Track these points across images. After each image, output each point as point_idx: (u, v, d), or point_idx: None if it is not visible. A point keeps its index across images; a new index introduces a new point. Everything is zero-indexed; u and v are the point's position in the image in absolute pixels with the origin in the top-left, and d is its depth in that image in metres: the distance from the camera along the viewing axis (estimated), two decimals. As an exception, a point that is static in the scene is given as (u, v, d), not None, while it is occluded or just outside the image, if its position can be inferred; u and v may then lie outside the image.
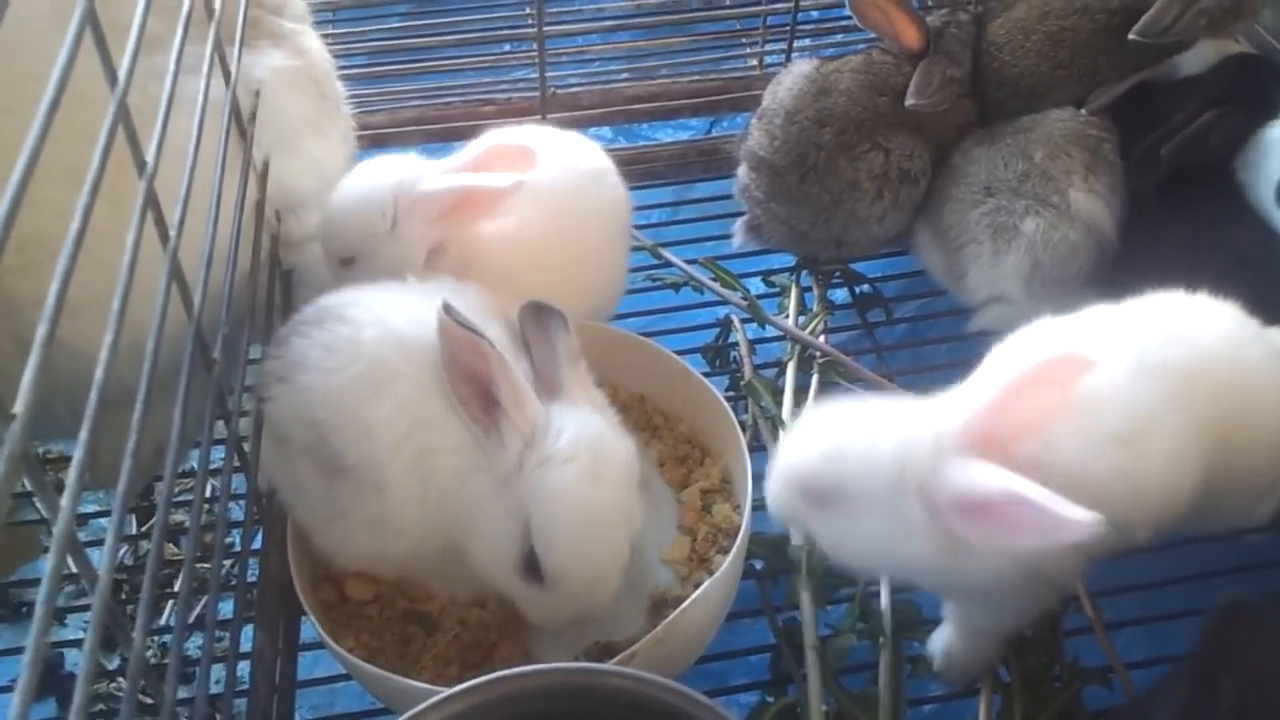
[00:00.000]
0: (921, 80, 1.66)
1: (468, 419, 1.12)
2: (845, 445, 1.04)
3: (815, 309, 1.68)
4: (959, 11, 1.76)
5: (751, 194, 1.75)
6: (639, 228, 1.79)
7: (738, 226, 1.80)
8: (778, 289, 1.75)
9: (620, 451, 1.15)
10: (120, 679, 1.45)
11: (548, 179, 1.41)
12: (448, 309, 1.10)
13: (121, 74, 0.84)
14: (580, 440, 1.11)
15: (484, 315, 1.18)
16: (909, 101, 1.65)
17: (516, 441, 1.11)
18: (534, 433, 1.11)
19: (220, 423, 1.19)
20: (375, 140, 1.99)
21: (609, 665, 1.09)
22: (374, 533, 1.18)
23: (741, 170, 1.78)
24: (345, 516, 1.18)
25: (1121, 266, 1.54)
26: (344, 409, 1.14)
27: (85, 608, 1.13)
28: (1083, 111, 1.64)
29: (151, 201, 0.90)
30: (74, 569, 0.72)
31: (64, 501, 0.67)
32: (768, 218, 1.74)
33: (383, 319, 1.17)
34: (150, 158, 0.90)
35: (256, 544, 1.30)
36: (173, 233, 0.95)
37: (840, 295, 1.79)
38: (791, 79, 1.73)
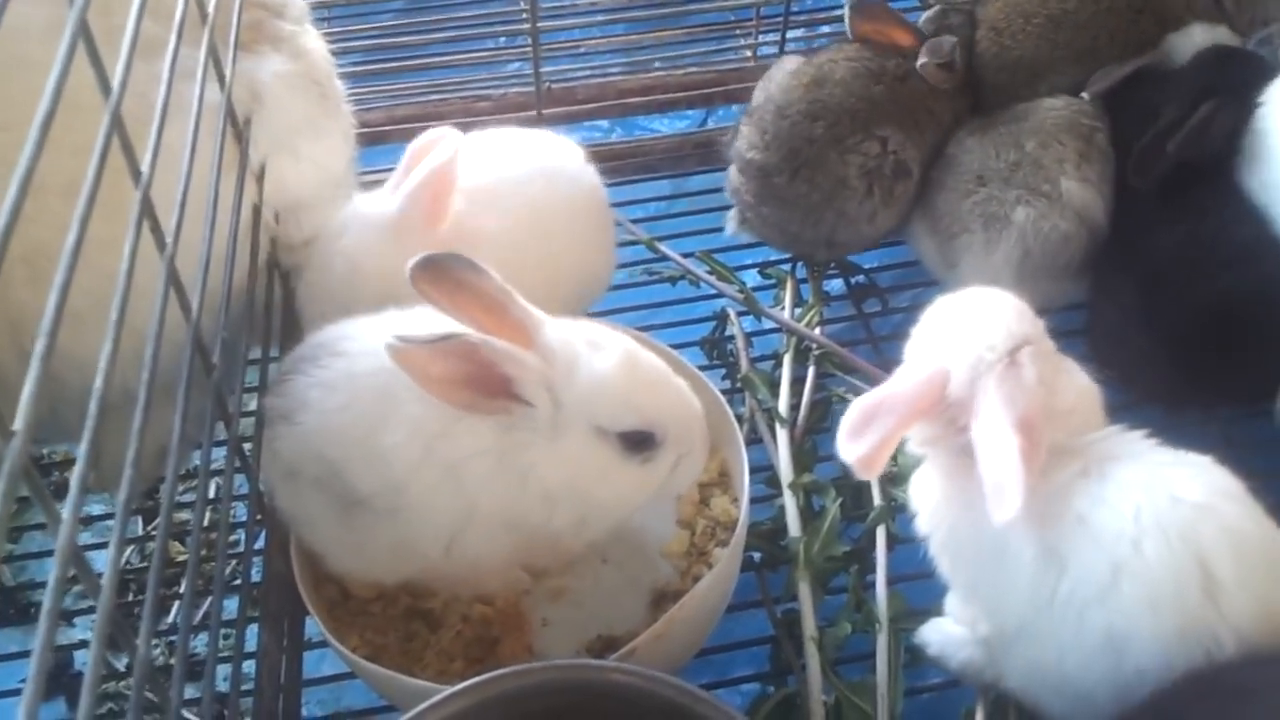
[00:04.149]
0: (934, 45, 1.66)
1: (486, 416, 1.10)
2: None
3: (811, 301, 1.69)
4: (950, 13, 1.75)
5: (742, 197, 1.73)
6: (635, 221, 1.80)
7: (730, 216, 1.78)
8: (774, 281, 1.76)
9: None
10: (128, 677, 1.47)
11: (516, 177, 1.45)
12: (394, 340, 1.04)
13: (115, 84, 0.85)
14: (571, 334, 1.13)
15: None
16: (921, 61, 1.64)
17: (540, 393, 1.10)
18: (545, 373, 1.10)
19: (221, 424, 1.20)
20: (372, 138, 1.99)
21: (610, 661, 1.11)
22: (395, 555, 1.18)
23: (731, 171, 1.75)
24: (365, 544, 1.18)
25: (1114, 259, 1.54)
26: (354, 442, 1.13)
27: (93, 609, 1.14)
28: (1083, 95, 1.63)
29: (148, 210, 0.90)
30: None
31: (65, 514, 0.67)
32: (758, 220, 1.72)
33: (377, 349, 1.12)
34: (145, 167, 0.90)
35: (260, 544, 1.32)
36: (169, 239, 0.96)
37: (836, 286, 1.80)
38: (782, 74, 1.71)
